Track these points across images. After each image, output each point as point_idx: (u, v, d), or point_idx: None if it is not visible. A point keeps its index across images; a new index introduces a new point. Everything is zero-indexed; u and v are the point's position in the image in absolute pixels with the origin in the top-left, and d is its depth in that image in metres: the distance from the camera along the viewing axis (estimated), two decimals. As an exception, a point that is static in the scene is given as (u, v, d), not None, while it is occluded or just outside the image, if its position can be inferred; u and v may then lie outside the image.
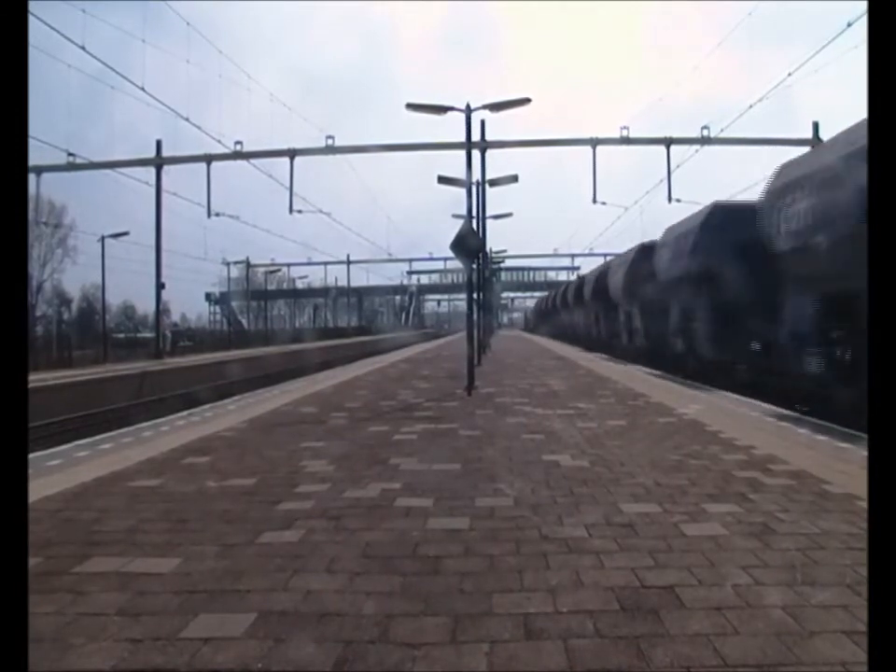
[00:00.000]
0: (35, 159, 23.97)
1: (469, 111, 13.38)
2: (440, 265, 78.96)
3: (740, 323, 12.27)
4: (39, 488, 4.74)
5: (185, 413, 9.45)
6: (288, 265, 72.63)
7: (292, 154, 27.06)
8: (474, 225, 16.03)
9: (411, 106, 13.59)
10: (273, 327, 73.27)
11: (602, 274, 27.45)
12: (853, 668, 2.26)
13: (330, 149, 26.90)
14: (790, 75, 20.91)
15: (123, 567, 3.28)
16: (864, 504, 3.99)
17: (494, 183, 20.76)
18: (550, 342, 41.32)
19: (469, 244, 11.73)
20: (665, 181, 27.25)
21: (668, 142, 26.85)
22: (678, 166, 26.82)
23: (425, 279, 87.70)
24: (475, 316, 16.63)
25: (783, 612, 2.68)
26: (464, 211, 14.15)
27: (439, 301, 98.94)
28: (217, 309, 74.55)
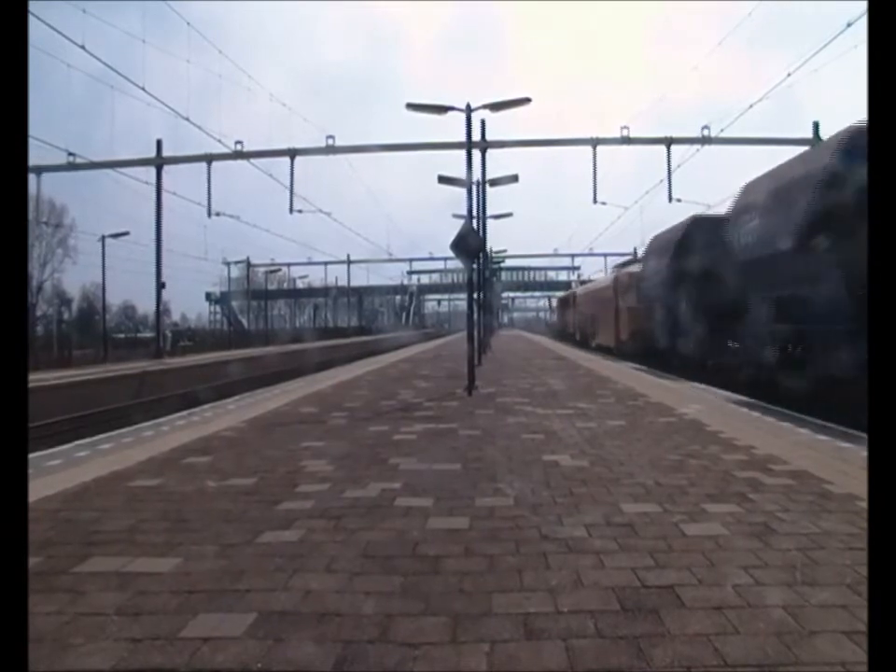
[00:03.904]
0: (35, 159, 24.01)
1: (469, 111, 13.37)
2: (440, 265, 78.91)
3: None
4: (39, 488, 4.74)
5: (185, 412, 9.45)
6: (289, 265, 72.67)
7: (292, 154, 27.08)
8: (474, 225, 16.03)
9: (411, 106, 13.59)
10: (274, 326, 73.18)
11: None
12: (853, 668, 2.25)
13: (331, 149, 26.91)
14: (789, 75, 20.92)
15: (123, 566, 3.28)
16: (864, 504, 4.00)
17: (494, 183, 20.77)
18: (552, 342, 41.25)
19: (470, 243, 11.73)
20: (666, 181, 27.30)
21: (668, 142, 26.87)
22: (678, 166, 26.86)
23: (425, 279, 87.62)
24: (475, 316, 16.63)
25: (783, 612, 2.68)
26: (464, 211, 14.17)
27: (439, 301, 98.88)
28: (218, 309, 74.53)
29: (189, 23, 25.36)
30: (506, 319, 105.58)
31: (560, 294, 63.74)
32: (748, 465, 5.34)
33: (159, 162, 27.09)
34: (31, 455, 5.84)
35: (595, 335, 31.02)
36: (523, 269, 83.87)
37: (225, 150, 26.15)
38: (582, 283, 52.17)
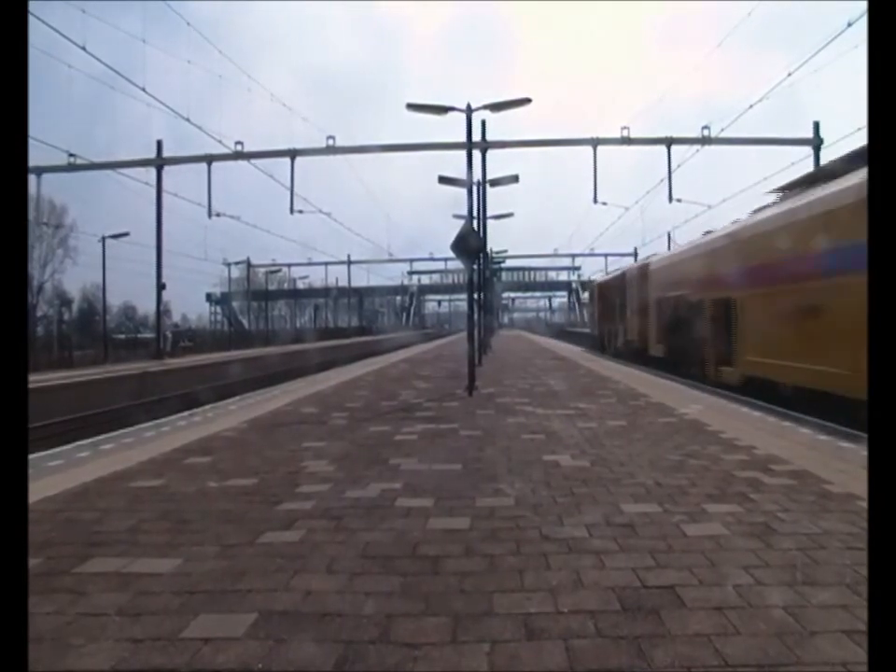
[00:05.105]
0: (35, 159, 24.04)
1: (469, 111, 13.36)
2: (440, 265, 78.96)
3: None
4: (40, 489, 4.74)
5: (186, 413, 9.45)
6: (289, 265, 72.64)
7: (293, 154, 27.07)
8: (475, 225, 16.03)
9: (411, 107, 13.57)
10: (274, 327, 73.20)
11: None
12: (854, 668, 2.25)
13: (331, 149, 26.90)
14: (790, 74, 20.91)
15: (124, 567, 3.28)
16: (864, 504, 4.00)
17: (494, 183, 20.76)
18: (549, 341, 40.93)
19: (470, 244, 11.73)
20: (666, 181, 27.27)
21: (669, 142, 26.84)
22: (678, 166, 26.75)
23: (425, 279, 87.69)
24: (476, 316, 16.63)
25: (784, 612, 2.68)
26: (465, 211, 14.17)
27: (439, 302, 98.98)
28: (218, 309, 74.60)
29: (189, 23, 25.46)
30: (506, 319, 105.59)
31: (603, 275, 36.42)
32: (748, 465, 5.34)
33: (159, 163, 27.08)
34: (31, 456, 5.84)
35: (739, 357, 12.40)
36: (523, 269, 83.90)
37: (225, 151, 26.17)
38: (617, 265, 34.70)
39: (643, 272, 20.86)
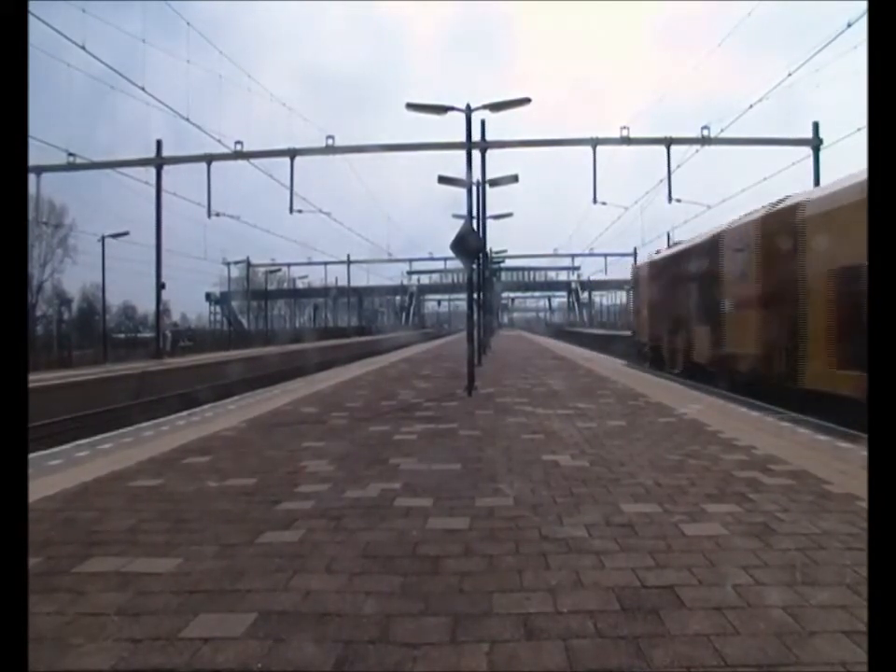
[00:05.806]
0: (35, 159, 24.02)
1: (468, 111, 13.36)
2: (440, 265, 78.90)
3: None
4: (40, 488, 4.74)
5: (185, 413, 9.45)
6: (289, 265, 72.66)
7: (292, 154, 27.06)
8: (474, 225, 16.03)
9: (411, 107, 13.57)
10: (274, 326, 73.14)
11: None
12: (853, 668, 2.26)
13: (330, 149, 26.89)
14: (790, 74, 20.93)
15: (123, 566, 3.28)
16: (864, 504, 4.00)
17: (494, 183, 20.73)
18: (549, 341, 40.91)
19: (470, 244, 11.72)
20: (666, 181, 27.26)
21: (668, 142, 26.83)
22: (678, 166, 26.73)
23: (425, 279, 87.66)
24: (475, 316, 16.61)
25: (783, 612, 2.68)
26: (464, 211, 14.17)
27: (439, 301, 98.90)
28: (218, 309, 74.53)
29: (188, 23, 25.40)
30: (506, 319, 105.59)
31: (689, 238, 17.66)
32: (747, 465, 5.34)
33: (158, 162, 27.06)
34: (30, 455, 5.84)
35: None
36: (522, 269, 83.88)
37: (225, 150, 26.15)
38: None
39: (782, 223, 10.39)
